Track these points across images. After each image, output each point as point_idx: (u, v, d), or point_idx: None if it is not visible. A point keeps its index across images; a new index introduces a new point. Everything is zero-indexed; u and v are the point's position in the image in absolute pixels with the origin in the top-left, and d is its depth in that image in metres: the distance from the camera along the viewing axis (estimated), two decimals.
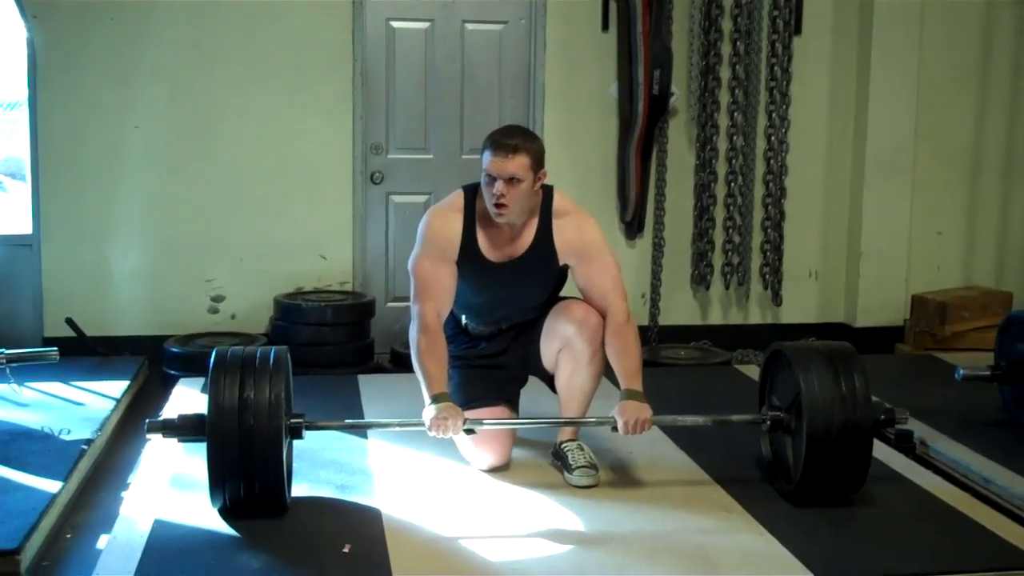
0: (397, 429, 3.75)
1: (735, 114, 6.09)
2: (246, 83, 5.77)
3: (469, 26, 5.92)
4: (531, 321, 3.78)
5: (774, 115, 6.10)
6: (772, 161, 6.13)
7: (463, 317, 3.81)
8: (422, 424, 3.43)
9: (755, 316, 6.31)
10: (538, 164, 3.50)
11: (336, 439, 4.14)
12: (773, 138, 6.11)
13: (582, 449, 3.72)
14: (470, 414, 3.49)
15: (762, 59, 6.06)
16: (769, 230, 6.18)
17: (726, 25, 6.01)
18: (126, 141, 5.70)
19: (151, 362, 5.44)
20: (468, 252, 3.59)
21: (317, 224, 5.92)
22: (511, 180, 3.43)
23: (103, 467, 4.17)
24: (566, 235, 3.61)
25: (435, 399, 3.42)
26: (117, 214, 5.73)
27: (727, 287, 6.23)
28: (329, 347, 5.49)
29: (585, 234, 3.64)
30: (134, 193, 5.74)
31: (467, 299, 3.70)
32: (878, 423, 3.53)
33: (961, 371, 4.39)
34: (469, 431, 3.50)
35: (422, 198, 5.93)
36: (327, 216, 5.91)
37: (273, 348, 3.45)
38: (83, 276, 5.72)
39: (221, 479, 3.25)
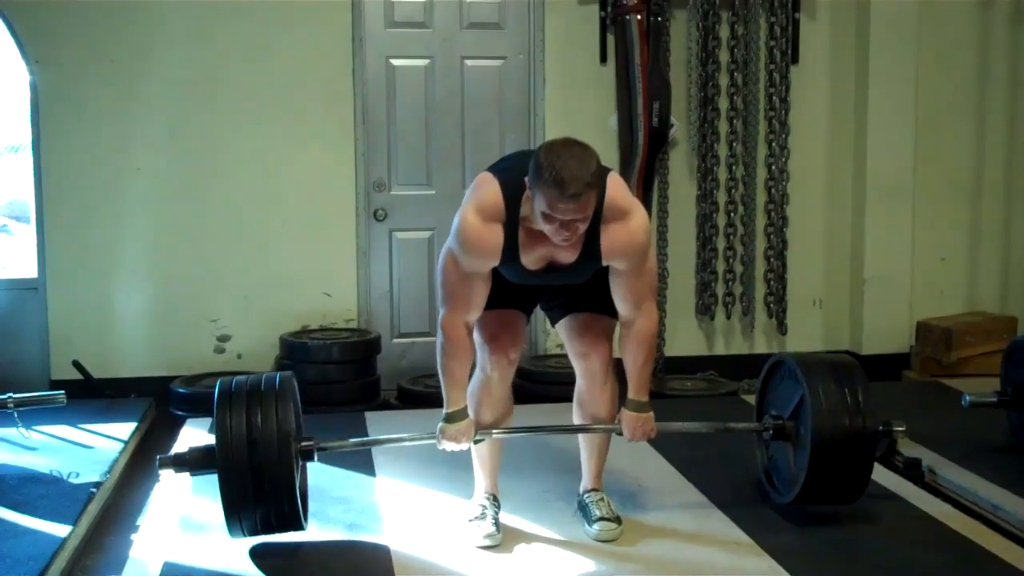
0: (408, 444, 3.71)
1: (735, 144, 6.12)
2: (247, 122, 5.80)
3: (468, 62, 5.96)
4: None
5: (774, 144, 6.12)
6: (773, 190, 6.15)
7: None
8: (434, 438, 3.45)
9: (760, 345, 6.31)
10: (599, 187, 3.17)
11: (344, 477, 4.15)
12: (773, 167, 6.14)
13: (604, 500, 3.66)
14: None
15: (760, 89, 6.09)
16: (772, 259, 6.19)
17: (723, 56, 6.05)
18: (129, 182, 5.73)
19: (158, 403, 5.44)
20: (508, 261, 3.31)
21: (321, 262, 5.94)
22: (580, 221, 3.11)
23: (112, 510, 4.16)
24: (614, 240, 3.27)
25: (450, 417, 3.42)
26: (121, 255, 5.75)
27: (730, 317, 6.23)
28: (336, 385, 5.49)
29: (633, 242, 3.29)
30: (138, 234, 5.76)
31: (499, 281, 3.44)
32: (879, 433, 3.53)
33: (968, 398, 4.40)
34: (479, 441, 3.50)
35: (425, 234, 5.95)
36: (331, 254, 5.93)
37: (277, 373, 3.45)
38: (89, 318, 5.74)
39: (236, 510, 3.25)
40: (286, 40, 5.79)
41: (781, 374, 3.72)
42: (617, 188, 3.30)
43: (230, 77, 5.77)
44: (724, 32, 6.03)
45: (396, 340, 6.04)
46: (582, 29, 5.99)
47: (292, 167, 5.85)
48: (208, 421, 4.87)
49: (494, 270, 3.36)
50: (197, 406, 5.22)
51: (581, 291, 3.52)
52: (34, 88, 5.59)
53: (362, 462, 4.31)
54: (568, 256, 3.31)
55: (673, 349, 6.18)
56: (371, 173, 5.95)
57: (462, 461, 3.72)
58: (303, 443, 3.40)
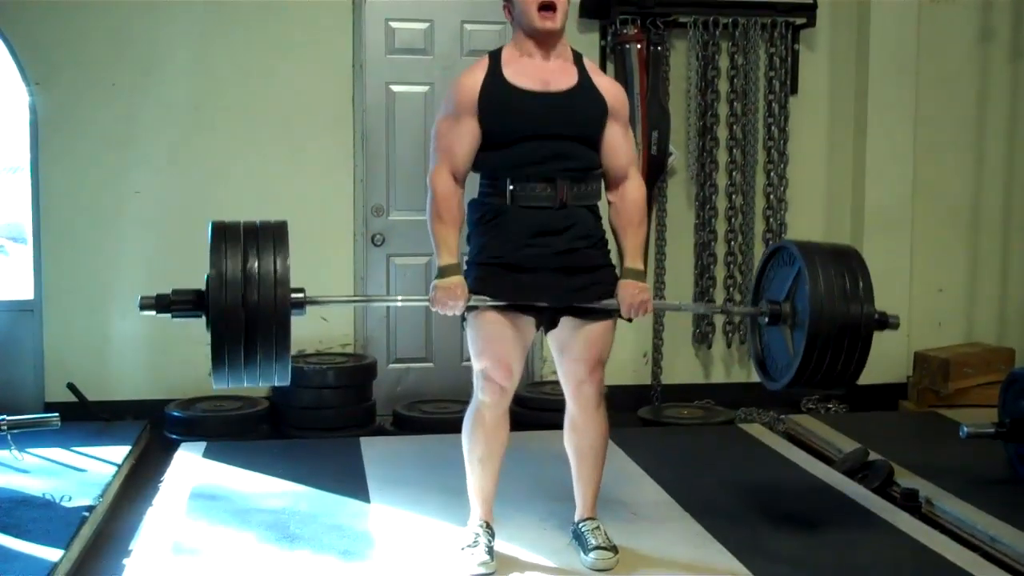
0: (400, 304, 3.60)
1: (733, 173, 6.13)
2: (247, 146, 5.81)
3: None
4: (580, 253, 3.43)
5: (772, 174, 6.13)
6: (771, 220, 6.16)
7: (509, 181, 3.39)
8: (427, 300, 3.40)
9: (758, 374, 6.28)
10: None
11: (338, 504, 4.13)
12: (772, 197, 6.15)
13: (599, 529, 3.62)
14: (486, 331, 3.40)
15: (759, 119, 6.11)
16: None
17: (723, 86, 6.07)
18: (127, 205, 5.73)
19: (152, 426, 5.42)
20: (494, 87, 3.37)
21: (318, 286, 5.82)
22: None
23: (105, 534, 4.13)
24: (605, 85, 3.47)
25: (443, 270, 3.37)
26: (118, 278, 5.74)
27: (729, 345, 6.22)
28: (331, 410, 5.48)
29: (620, 90, 3.53)
30: (135, 256, 5.75)
31: (506, 149, 3.39)
32: (875, 320, 3.49)
33: (965, 429, 4.39)
34: (472, 308, 3.40)
35: (423, 260, 5.94)
36: (328, 278, 5.90)
37: (274, 220, 3.33)
38: (84, 340, 5.72)
39: (225, 352, 3.11)
40: (286, 65, 5.81)
41: (781, 260, 3.67)
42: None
43: (230, 101, 5.79)
44: (724, 62, 6.06)
45: (392, 365, 6.02)
46: None
47: (291, 192, 5.85)
48: (202, 445, 4.89)
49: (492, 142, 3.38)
50: (192, 430, 5.21)
51: (585, 279, 3.43)
52: (33, 110, 5.60)
53: (356, 489, 4.29)
54: (563, 80, 3.39)
55: (670, 377, 6.16)
56: (370, 198, 5.95)
57: (457, 488, 3.70)
58: (294, 293, 3.23)
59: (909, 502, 4.22)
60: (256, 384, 3.26)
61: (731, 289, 6.16)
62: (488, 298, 3.39)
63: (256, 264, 3.10)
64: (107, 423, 5.43)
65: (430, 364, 6.04)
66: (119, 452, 4.87)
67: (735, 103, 6.08)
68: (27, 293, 5.72)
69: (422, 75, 5.95)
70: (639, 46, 5.86)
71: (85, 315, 5.72)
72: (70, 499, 4.18)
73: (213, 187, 5.79)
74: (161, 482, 4.46)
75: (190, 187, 5.78)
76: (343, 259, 5.93)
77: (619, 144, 3.46)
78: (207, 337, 3.11)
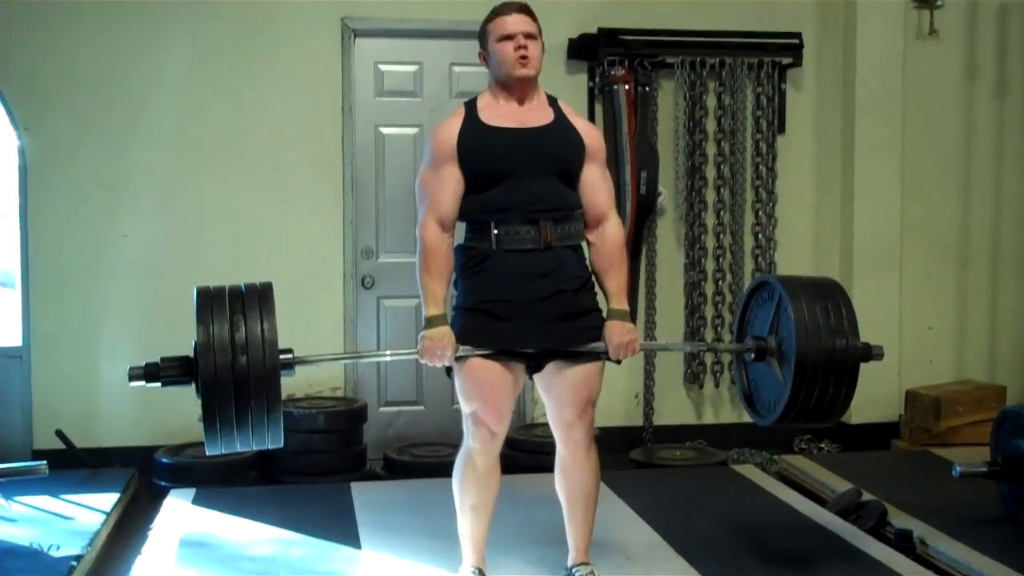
0: (389, 358, 3.60)
1: (722, 213, 6.14)
2: (236, 189, 5.81)
3: None
4: (566, 294, 3.44)
5: (760, 213, 6.15)
6: (760, 259, 6.17)
7: (493, 225, 3.40)
8: (415, 352, 3.40)
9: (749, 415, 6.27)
10: (540, 33, 3.50)
11: (329, 550, 4.10)
12: (760, 236, 6.16)
13: (593, 574, 3.60)
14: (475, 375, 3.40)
15: (747, 158, 6.13)
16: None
17: (710, 126, 6.09)
18: (115, 249, 5.71)
19: (141, 473, 5.38)
20: (472, 132, 3.42)
21: (308, 330, 5.88)
22: (529, 36, 3.42)
23: None
24: (581, 125, 3.54)
25: (430, 321, 3.37)
26: (106, 323, 5.72)
27: (719, 386, 6.21)
28: (321, 455, 5.44)
29: (596, 131, 3.64)
30: (124, 302, 5.74)
31: (489, 191, 3.40)
32: (860, 352, 3.49)
33: (958, 468, 4.37)
34: (460, 358, 3.39)
35: (413, 302, 5.91)
36: (318, 321, 5.90)
37: (259, 282, 3.32)
38: (73, 387, 5.69)
39: (216, 419, 3.10)
40: (276, 108, 5.82)
41: (763, 296, 3.67)
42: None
43: (219, 145, 5.79)
44: (711, 102, 6.08)
45: (383, 409, 5.99)
46: (570, 98, 5.91)
47: (280, 234, 5.85)
48: (192, 492, 4.85)
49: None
50: (181, 476, 5.17)
51: (570, 320, 3.43)
52: (22, 154, 5.60)
53: (347, 535, 4.26)
54: (540, 118, 3.46)
55: (662, 418, 6.14)
56: (359, 240, 5.95)
57: (448, 533, 3.68)
58: (282, 354, 3.22)
59: (903, 543, 4.20)
60: (249, 448, 3.25)
61: (720, 329, 6.15)
62: (475, 348, 3.38)
63: (243, 328, 3.11)
64: (95, 470, 5.39)
65: (421, 407, 6.02)
66: (107, 500, 4.83)
67: (723, 143, 6.11)
68: (15, 339, 5.69)
69: (411, 117, 5.97)
70: (627, 87, 5.89)
71: (73, 361, 5.69)
72: (58, 548, 4.14)
73: (202, 230, 5.79)
74: (150, 530, 4.42)
75: (179, 231, 5.77)
76: (333, 301, 5.92)
77: (597, 184, 3.51)
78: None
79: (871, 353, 3.52)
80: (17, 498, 4.70)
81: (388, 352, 3.58)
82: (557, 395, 3.51)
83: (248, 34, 5.79)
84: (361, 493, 4.92)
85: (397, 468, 5.48)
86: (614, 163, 5.93)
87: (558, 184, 3.43)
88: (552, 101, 3.53)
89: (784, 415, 3.49)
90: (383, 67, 5.95)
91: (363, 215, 5.95)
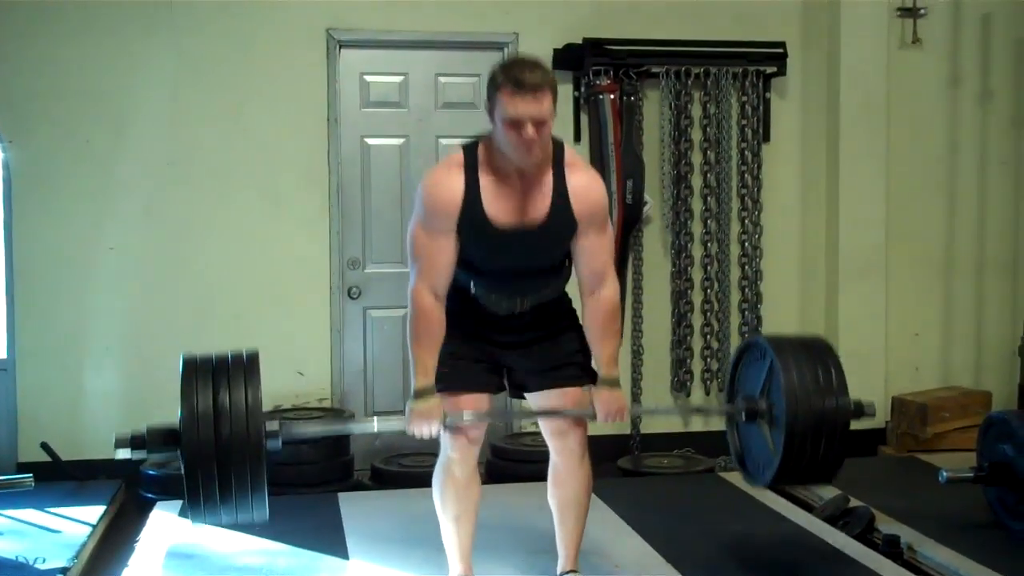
0: (376, 429, 3.58)
1: (708, 221, 6.15)
2: (222, 201, 5.80)
3: (443, 141, 5.98)
4: (548, 336, 3.48)
5: (747, 221, 6.16)
6: (747, 267, 6.18)
7: (471, 284, 3.41)
8: (403, 422, 3.36)
9: None
10: (556, 99, 3.22)
11: (316, 560, 4.09)
12: (747, 244, 6.17)
13: None
14: (448, 398, 3.37)
15: (733, 167, 6.14)
16: (747, 335, 6.20)
17: (696, 134, 6.11)
18: (101, 261, 5.70)
19: (128, 485, 5.35)
20: (472, 214, 3.26)
21: (294, 341, 5.90)
22: (540, 122, 3.14)
23: None
24: (580, 193, 3.29)
25: (418, 393, 3.32)
26: (92, 335, 5.71)
27: (707, 393, 6.21)
28: (308, 465, 5.41)
29: (597, 194, 3.34)
30: (109, 314, 5.72)
31: (473, 264, 3.37)
32: (852, 411, 3.49)
33: (945, 474, 4.39)
34: (449, 426, 3.38)
35: (400, 312, 5.90)
36: (304, 332, 5.90)
37: (245, 350, 3.29)
38: (58, 399, 5.67)
39: (199, 493, 3.07)
40: (261, 119, 5.81)
41: (753, 355, 3.67)
42: (572, 150, 3.42)
43: (205, 156, 5.78)
44: (696, 111, 6.10)
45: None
46: (556, 109, 6.02)
47: (266, 246, 5.84)
48: (179, 504, 4.82)
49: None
50: (168, 488, 5.13)
51: (551, 351, 3.47)
52: (6, 166, 5.58)
53: (335, 545, 4.25)
54: (538, 209, 3.28)
55: (649, 426, 6.14)
56: (346, 251, 5.94)
57: (437, 542, 3.67)
58: (269, 423, 3.20)
59: (891, 548, 4.20)
60: (234, 521, 3.20)
61: (708, 337, 6.16)
62: (465, 415, 3.39)
63: (227, 397, 3.09)
64: (81, 483, 5.37)
65: None
66: (94, 512, 4.81)
67: (708, 151, 6.12)
68: (0, 352, 5.66)
69: (397, 128, 5.97)
70: (612, 96, 5.91)
71: (59, 373, 5.67)
72: (44, 561, 4.12)
73: (188, 242, 5.78)
74: (137, 542, 4.40)
75: (165, 242, 5.76)
76: (319, 312, 5.91)
77: (594, 249, 3.38)
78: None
79: (862, 412, 3.53)
80: (3, 511, 4.68)
81: (375, 421, 3.54)
82: (547, 403, 3.53)
83: (233, 46, 5.79)
84: (348, 503, 4.91)
85: (384, 478, 5.47)
86: (600, 172, 5.93)
87: (547, 271, 3.44)
88: (556, 157, 3.31)
89: (777, 477, 3.51)
90: (368, 78, 5.95)
91: (349, 226, 5.95)
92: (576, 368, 3.50)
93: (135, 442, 3.20)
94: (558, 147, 3.33)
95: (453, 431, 3.43)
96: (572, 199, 3.30)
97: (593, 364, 3.50)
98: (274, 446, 3.19)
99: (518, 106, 3.10)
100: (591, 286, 3.41)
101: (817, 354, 3.53)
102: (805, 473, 3.50)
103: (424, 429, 3.31)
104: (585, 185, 3.34)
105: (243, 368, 3.18)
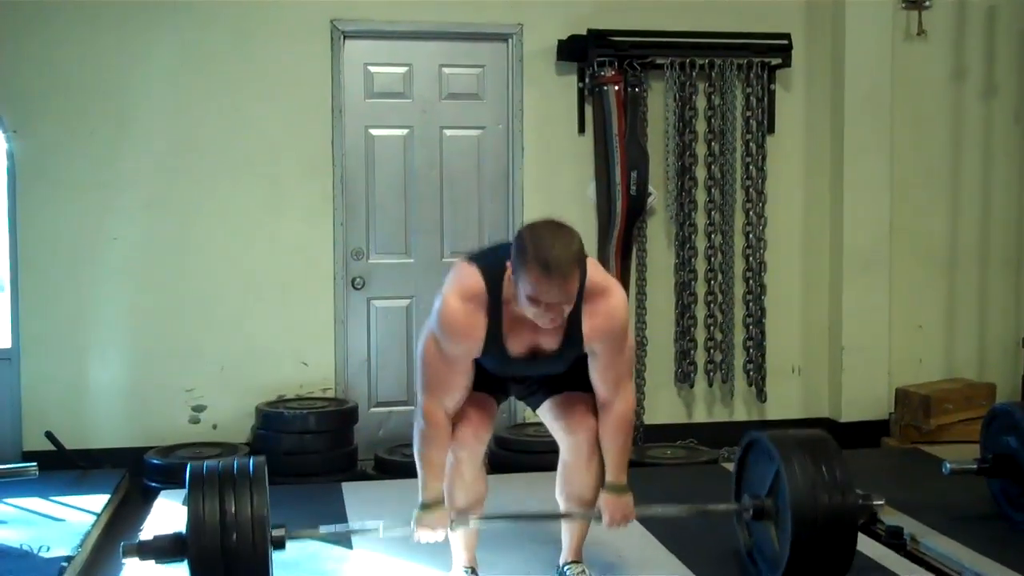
0: (384, 536, 3.63)
1: (712, 213, 6.15)
2: (226, 191, 5.81)
3: (447, 132, 6.00)
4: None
5: (751, 213, 6.16)
6: (751, 258, 6.18)
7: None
8: (408, 530, 3.38)
9: (740, 413, 6.30)
10: (584, 274, 3.18)
11: (321, 549, 4.08)
12: (751, 236, 6.17)
13: (585, 573, 3.62)
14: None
15: (737, 158, 6.14)
16: (751, 327, 6.20)
17: (700, 126, 6.10)
18: (105, 251, 5.70)
19: (132, 474, 5.37)
20: (492, 348, 3.27)
21: (298, 331, 5.90)
22: (566, 303, 3.10)
23: None
24: (595, 322, 3.26)
25: (426, 506, 3.37)
26: (96, 325, 5.71)
27: (711, 385, 6.22)
28: (312, 455, 5.43)
29: (614, 320, 3.30)
30: (113, 304, 5.73)
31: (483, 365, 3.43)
32: (859, 507, 3.49)
33: (948, 465, 4.39)
34: (455, 529, 3.43)
35: (404, 302, 5.93)
36: (308, 323, 5.90)
37: (251, 458, 3.37)
38: (63, 388, 5.68)
39: None
40: (265, 110, 5.81)
41: (756, 453, 3.70)
42: (595, 268, 3.33)
43: (209, 147, 5.78)
44: (701, 102, 6.09)
45: (374, 409, 5.99)
46: (560, 99, 6.04)
47: (270, 236, 5.85)
48: (182, 493, 4.82)
49: (476, 360, 3.35)
50: (171, 477, 5.13)
51: (559, 378, 3.51)
52: (11, 157, 5.59)
53: (338, 535, 4.24)
54: (551, 342, 3.29)
55: (653, 417, 6.15)
56: (349, 242, 5.95)
57: None
58: (274, 530, 3.29)
59: (894, 540, 4.21)
60: None
61: (711, 328, 6.16)
62: (468, 518, 3.45)
63: (233, 507, 3.16)
64: (85, 472, 5.38)
65: (411, 408, 5.99)
66: (98, 501, 4.82)
67: (713, 143, 6.12)
68: (5, 341, 5.67)
69: (401, 119, 5.97)
70: (617, 88, 5.90)
71: (63, 363, 5.68)
72: (48, 549, 4.13)
73: (192, 232, 5.78)
74: (141, 531, 4.40)
75: (168, 233, 5.77)
76: (323, 303, 5.92)
77: (609, 366, 3.38)
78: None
79: (868, 508, 3.57)
80: (7, 500, 4.70)
81: (381, 525, 3.55)
82: (555, 407, 3.56)
83: (237, 37, 5.79)
84: (352, 493, 4.92)
85: (388, 468, 5.48)
86: (605, 164, 5.96)
87: (552, 372, 3.47)
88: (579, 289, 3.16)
89: (788, 574, 3.50)
90: (372, 69, 5.95)
91: (353, 216, 5.95)
92: (581, 383, 3.49)
93: (143, 549, 3.27)
94: (581, 271, 3.16)
95: (462, 428, 3.43)
96: (586, 327, 3.27)
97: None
98: (280, 551, 3.29)
99: (543, 292, 3.04)
100: (606, 397, 3.43)
101: (821, 452, 3.53)
102: (815, 571, 3.50)
103: (430, 536, 3.38)
104: (602, 313, 3.28)
105: (249, 477, 3.25)
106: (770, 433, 3.71)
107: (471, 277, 3.24)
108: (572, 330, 3.26)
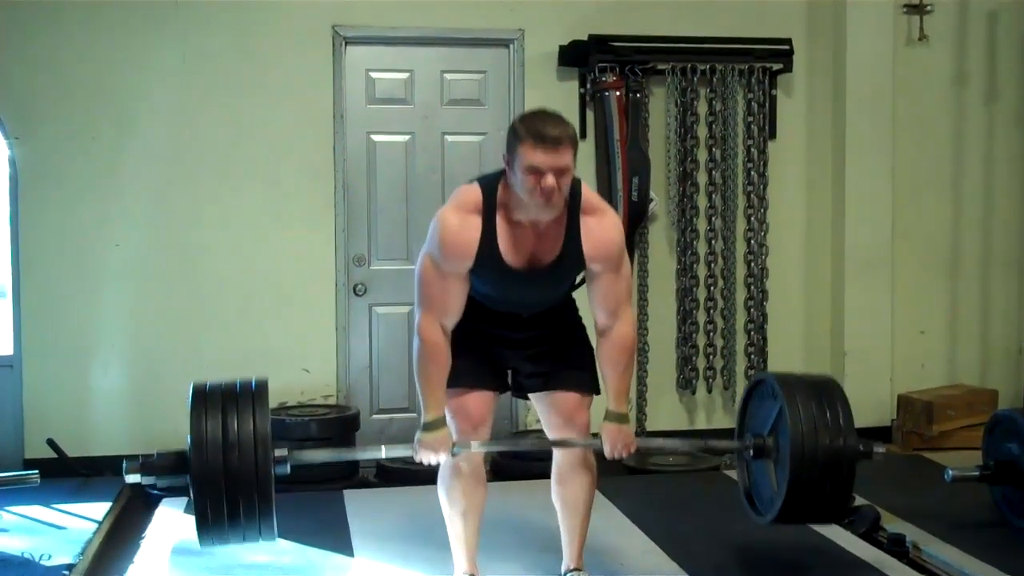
0: (385, 457, 3.62)
1: (713, 219, 6.15)
2: (227, 197, 5.80)
3: (449, 138, 5.99)
4: (551, 337, 3.52)
5: (752, 219, 6.16)
6: (752, 264, 6.18)
7: (475, 298, 3.42)
8: (409, 450, 3.39)
9: None
10: (576, 152, 3.23)
11: (322, 558, 4.09)
12: (752, 241, 6.17)
13: None
14: (453, 396, 3.43)
15: (738, 164, 6.14)
16: (752, 333, 6.19)
17: (702, 132, 6.10)
18: (107, 257, 5.70)
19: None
20: (487, 257, 3.28)
21: (300, 337, 5.90)
22: (561, 172, 3.14)
23: None
24: (594, 236, 3.31)
25: (427, 426, 3.36)
26: (98, 332, 5.71)
27: (712, 391, 6.21)
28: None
29: (612, 236, 3.34)
30: (115, 310, 5.72)
31: (481, 291, 3.41)
32: (859, 452, 3.49)
33: (951, 472, 4.38)
34: (456, 453, 3.41)
35: (405, 309, 5.93)
36: (310, 329, 5.90)
37: (253, 378, 3.33)
38: (64, 395, 5.67)
39: (208, 518, 3.12)
40: (267, 116, 5.81)
41: (763, 392, 3.69)
42: (590, 191, 3.40)
43: (211, 153, 5.78)
44: (702, 108, 6.09)
45: (376, 416, 5.99)
46: (561, 105, 5.97)
47: (272, 242, 5.84)
48: (184, 500, 4.83)
49: (474, 292, 3.36)
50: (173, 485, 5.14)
51: (557, 354, 3.50)
52: (13, 163, 5.59)
53: (340, 542, 4.25)
54: (549, 252, 3.30)
55: (654, 424, 6.14)
56: (351, 248, 5.94)
57: (442, 541, 3.67)
58: (277, 451, 3.24)
59: (896, 547, 4.20)
60: (241, 543, 3.27)
61: (712, 335, 6.16)
62: (473, 444, 3.43)
63: (236, 426, 3.13)
64: (87, 479, 5.38)
65: (413, 414, 6.00)
66: (99, 509, 4.82)
67: (714, 148, 6.11)
68: (6, 348, 5.67)
69: (403, 124, 5.97)
70: (618, 93, 5.90)
71: (65, 369, 5.68)
72: (50, 557, 4.12)
73: (194, 239, 5.78)
74: (143, 538, 4.41)
75: (170, 238, 5.76)
76: (325, 309, 5.91)
77: (609, 289, 3.39)
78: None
79: (870, 453, 3.53)
80: (8, 508, 4.69)
81: (383, 449, 3.56)
82: (554, 406, 3.55)
83: (239, 42, 5.79)
84: (354, 501, 4.91)
85: (390, 476, 5.47)
86: (606, 170, 5.95)
87: (557, 290, 3.46)
88: (573, 198, 3.27)
89: (781, 516, 3.52)
90: (374, 74, 5.95)
91: (355, 222, 5.95)
92: (578, 375, 3.52)
93: (145, 467, 3.25)
94: (576, 188, 3.29)
95: (460, 428, 3.44)
96: (584, 242, 3.31)
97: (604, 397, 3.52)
98: (282, 472, 3.25)
99: (538, 158, 3.11)
100: (606, 323, 3.42)
101: (825, 393, 3.54)
102: (809, 513, 3.51)
103: (432, 458, 3.37)
104: (599, 229, 3.33)
105: (251, 395, 3.22)
106: (776, 373, 3.71)
107: (468, 191, 3.33)
108: (571, 244, 3.30)
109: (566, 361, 3.52)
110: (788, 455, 3.41)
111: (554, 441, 3.58)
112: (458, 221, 3.27)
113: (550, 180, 3.11)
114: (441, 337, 3.34)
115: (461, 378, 3.44)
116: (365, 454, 3.75)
